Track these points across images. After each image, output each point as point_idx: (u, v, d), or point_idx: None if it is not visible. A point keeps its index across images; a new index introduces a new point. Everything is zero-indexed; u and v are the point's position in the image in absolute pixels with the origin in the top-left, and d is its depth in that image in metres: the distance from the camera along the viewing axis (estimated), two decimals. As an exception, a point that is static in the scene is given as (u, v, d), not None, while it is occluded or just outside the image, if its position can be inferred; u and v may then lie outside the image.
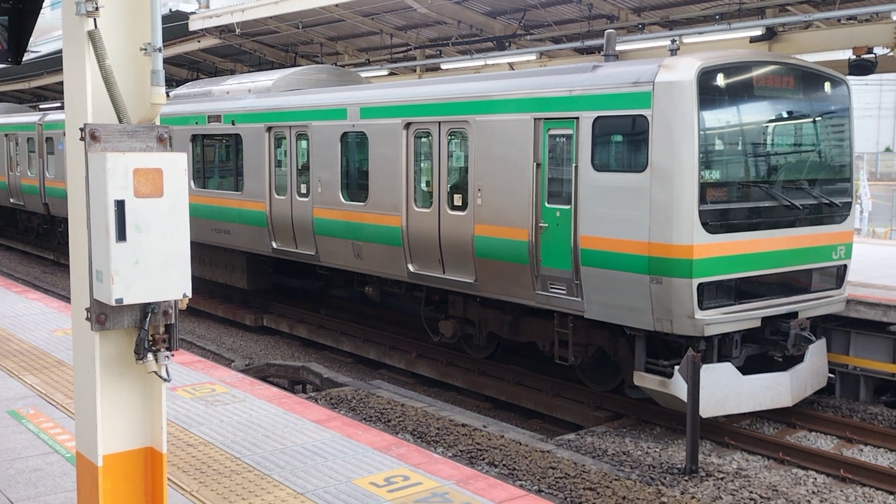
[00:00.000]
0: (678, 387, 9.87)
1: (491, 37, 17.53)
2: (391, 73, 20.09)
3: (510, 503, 6.10)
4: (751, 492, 8.98)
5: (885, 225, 30.42)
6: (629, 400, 11.63)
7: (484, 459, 9.55)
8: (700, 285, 9.76)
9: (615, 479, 8.86)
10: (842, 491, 9.29)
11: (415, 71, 19.70)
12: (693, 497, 8.59)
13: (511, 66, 17.47)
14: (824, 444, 10.72)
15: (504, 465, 9.36)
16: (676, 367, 9.95)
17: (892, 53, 13.24)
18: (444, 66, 18.77)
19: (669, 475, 9.44)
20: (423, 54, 19.54)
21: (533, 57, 16.86)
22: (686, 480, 9.28)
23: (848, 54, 13.36)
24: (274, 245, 16.03)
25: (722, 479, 9.33)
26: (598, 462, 9.59)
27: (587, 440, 10.68)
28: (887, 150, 63.65)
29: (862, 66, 13.12)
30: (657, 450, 10.36)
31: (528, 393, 12.69)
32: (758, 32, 13.70)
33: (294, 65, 22.17)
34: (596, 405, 11.89)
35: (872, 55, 13.11)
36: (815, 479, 9.61)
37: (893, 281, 13.40)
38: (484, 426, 10.81)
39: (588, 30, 15.81)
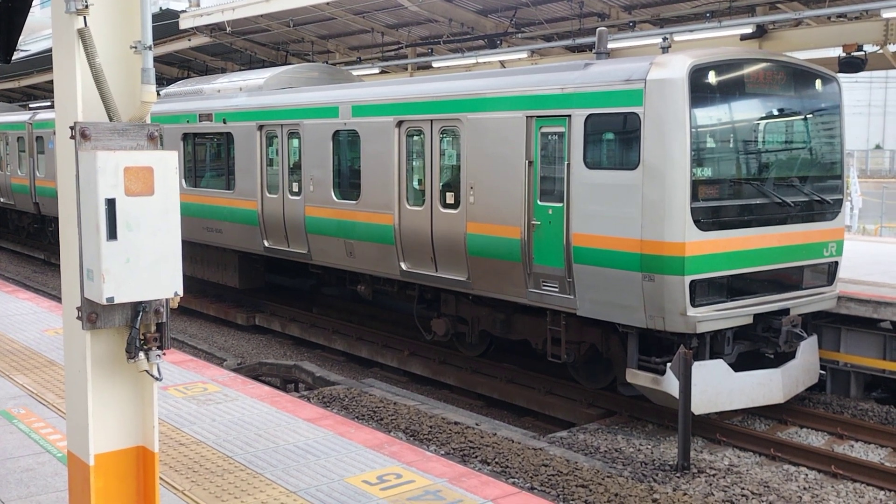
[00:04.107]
0: (670, 384, 9.89)
1: (482, 35, 17.53)
2: (382, 72, 20.07)
3: (503, 500, 6.11)
4: (742, 488, 9.01)
5: (875, 222, 30.54)
6: (621, 397, 11.65)
7: (476, 457, 9.56)
8: (692, 282, 9.78)
9: (607, 476, 8.88)
10: (833, 487, 9.33)
11: (406, 69, 19.70)
12: (685, 493, 8.61)
13: (502, 63, 17.47)
14: (815, 440, 10.76)
15: (497, 462, 9.37)
16: (669, 365, 9.97)
17: (881, 51, 13.29)
18: (435, 65, 18.76)
19: (661, 472, 9.46)
20: (414, 52, 19.53)
21: (524, 55, 16.87)
22: (678, 477, 9.30)
23: (838, 52, 13.42)
24: (266, 244, 16.00)
25: (714, 475, 9.36)
26: (591, 459, 9.61)
27: (579, 437, 10.70)
28: (877, 147, 63.96)
29: (852, 64, 13.17)
30: (649, 447, 10.38)
31: (520, 391, 12.70)
32: (748, 30, 13.74)
33: (285, 63, 22.14)
34: (588, 402, 11.91)
35: (862, 52, 13.17)
36: (807, 475, 9.65)
37: (884, 278, 13.46)
38: (476, 424, 10.82)
39: (579, 28, 15.84)
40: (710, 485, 9.10)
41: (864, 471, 9.54)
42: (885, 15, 12.55)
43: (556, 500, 8.45)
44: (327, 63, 20.53)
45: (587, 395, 12.00)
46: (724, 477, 9.31)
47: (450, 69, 18.24)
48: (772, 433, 10.84)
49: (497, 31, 17.46)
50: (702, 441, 10.63)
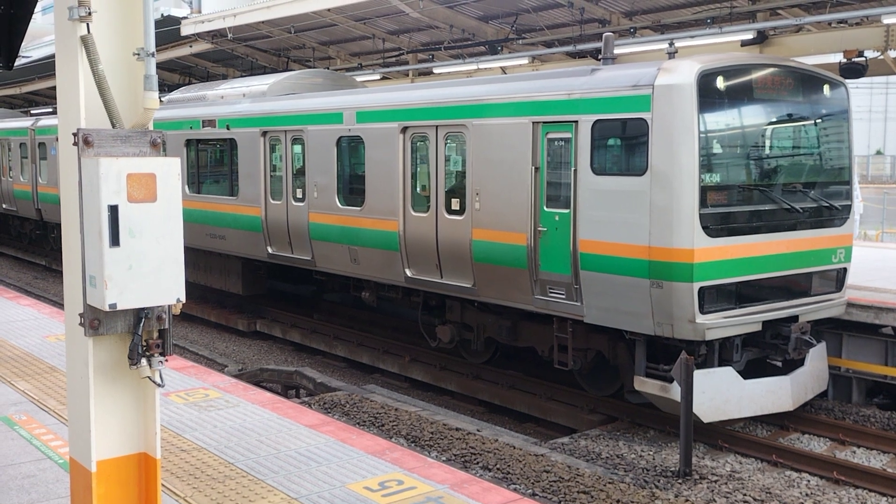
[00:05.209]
0: (679, 391, 9.80)
1: (483, 41, 17.56)
2: (383, 78, 20.11)
3: (505, 507, 6.11)
4: (744, 494, 8.99)
5: (876, 227, 30.54)
6: (623, 403, 11.63)
7: (478, 463, 9.55)
8: (701, 289, 9.68)
9: (609, 483, 8.87)
10: (835, 493, 9.31)
11: (407, 75, 19.73)
12: (687, 500, 8.60)
13: (503, 70, 17.50)
14: (817, 446, 10.75)
15: (498, 468, 9.36)
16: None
17: (882, 56, 13.30)
18: (436, 71, 18.79)
19: (663, 478, 9.45)
20: (415, 59, 19.56)
21: (525, 61, 16.89)
22: (680, 483, 9.29)
23: (839, 58, 13.43)
24: (269, 250, 15.97)
25: (715, 481, 9.34)
26: (592, 465, 9.59)
27: (581, 443, 10.69)
28: (878, 152, 64.01)
29: (853, 70, 13.18)
30: (651, 453, 10.37)
31: (521, 397, 12.68)
32: (749, 36, 13.76)
33: (286, 69, 22.18)
34: (589, 409, 11.89)
35: (863, 58, 13.18)
36: (809, 481, 9.63)
37: (885, 283, 13.45)
38: (478, 430, 10.81)
39: (580, 34, 15.86)
40: (712, 491, 9.09)
41: (867, 477, 9.52)
42: (886, 21, 12.57)
43: (557, 507, 8.44)
44: (328, 69, 20.56)
45: (588, 402, 11.98)
46: (725, 483, 9.30)
47: (451, 75, 18.27)
48: (773, 439, 10.82)
49: (498, 37, 17.48)
50: (703, 447, 10.62)
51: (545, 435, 11.82)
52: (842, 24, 13.50)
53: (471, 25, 17.44)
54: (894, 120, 65.01)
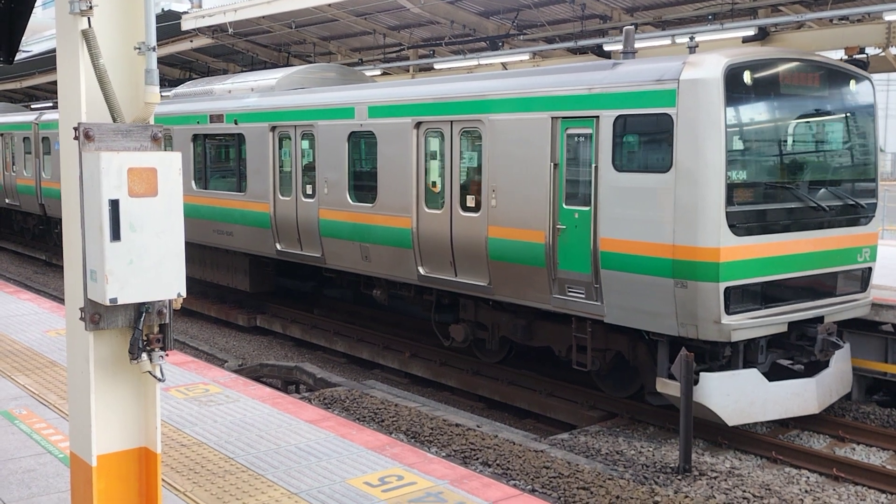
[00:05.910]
0: (704, 393, 9.64)
1: (484, 37, 17.55)
2: (384, 73, 20.10)
3: (504, 502, 6.11)
4: (744, 491, 9.01)
5: (877, 224, 30.51)
6: (622, 399, 11.63)
7: (478, 459, 9.56)
8: (727, 289, 9.49)
9: (609, 479, 8.88)
10: (834, 490, 9.32)
11: (408, 71, 19.72)
12: (686, 496, 8.61)
13: (504, 65, 17.48)
14: (817, 443, 10.76)
15: (498, 464, 9.36)
16: (702, 374, 9.74)
17: (883, 53, 13.29)
18: (437, 66, 18.77)
19: (663, 474, 9.46)
20: (416, 54, 19.55)
21: (526, 57, 16.88)
22: (679, 479, 9.30)
23: (840, 54, 13.41)
24: (278, 247, 15.84)
25: (715, 478, 9.35)
26: (592, 461, 9.60)
27: (581, 440, 10.70)
28: (879, 150, 63.91)
29: (854, 66, 13.15)
30: (650, 449, 10.38)
31: (521, 393, 12.69)
32: (750, 32, 13.74)
33: (287, 65, 22.16)
34: (589, 405, 11.90)
35: (864, 55, 13.16)
36: (808, 477, 9.64)
37: (885, 280, 13.42)
38: (478, 426, 10.82)
39: (581, 30, 15.85)
40: (712, 487, 9.10)
41: (866, 474, 9.53)
42: (888, 18, 12.56)
43: (557, 503, 8.45)
44: (329, 64, 20.54)
45: (588, 398, 11.99)
46: (725, 479, 9.31)
47: (452, 71, 18.23)
48: (773, 436, 10.82)
49: (499, 33, 17.48)
50: (703, 443, 10.62)
51: (545, 431, 11.84)
52: (843, 21, 13.48)
53: (472, 21, 17.43)
54: (895, 117, 64.91)
